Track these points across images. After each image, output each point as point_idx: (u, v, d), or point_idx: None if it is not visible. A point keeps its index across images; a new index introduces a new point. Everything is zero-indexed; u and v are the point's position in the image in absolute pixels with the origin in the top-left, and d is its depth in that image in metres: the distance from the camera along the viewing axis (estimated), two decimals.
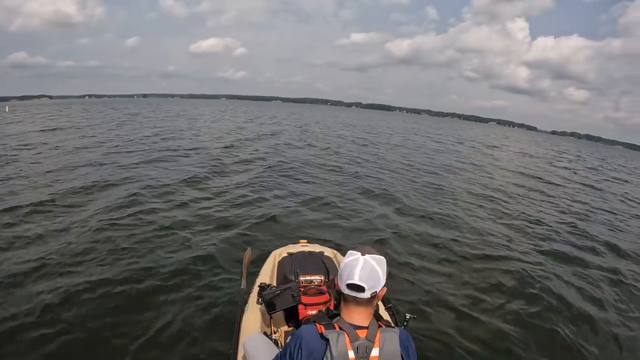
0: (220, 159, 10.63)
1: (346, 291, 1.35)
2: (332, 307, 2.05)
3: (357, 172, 10.64)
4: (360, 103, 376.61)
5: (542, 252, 5.71)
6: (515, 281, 4.49)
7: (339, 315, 1.39)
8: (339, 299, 1.42)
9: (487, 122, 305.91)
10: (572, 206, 9.73)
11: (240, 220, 5.50)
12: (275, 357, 1.46)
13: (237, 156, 11.66)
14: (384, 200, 7.80)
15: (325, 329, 1.31)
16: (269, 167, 10.11)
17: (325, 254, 2.82)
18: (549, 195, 10.74)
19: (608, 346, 3.52)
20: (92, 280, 3.59)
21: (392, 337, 1.32)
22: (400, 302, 3.53)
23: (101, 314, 3.12)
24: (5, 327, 2.93)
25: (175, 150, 12.08)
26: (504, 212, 8.04)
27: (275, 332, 2.24)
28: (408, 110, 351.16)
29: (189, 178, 8.07)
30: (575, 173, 18.64)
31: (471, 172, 13.38)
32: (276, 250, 3.07)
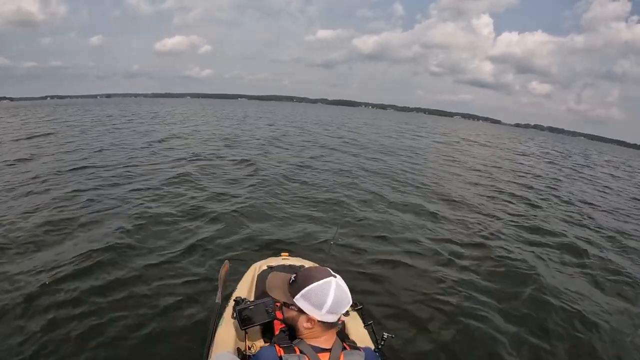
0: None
1: (321, 318, 1.28)
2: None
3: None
4: (325, 99, 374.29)
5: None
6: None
7: (298, 336, 1.34)
8: (293, 323, 1.36)
9: (452, 116, 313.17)
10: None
11: (219, 234, 5.07)
12: None
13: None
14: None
15: (285, 352, 1.26)
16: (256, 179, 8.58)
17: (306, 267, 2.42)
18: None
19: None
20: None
21: None
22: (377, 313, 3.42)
23: (69, 324, 3.02)
24: None
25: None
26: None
27: (250, 348, 2.14)
28: (374, 106, 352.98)
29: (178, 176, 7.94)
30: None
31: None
32: (256, 263, 2.94)
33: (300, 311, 1.31)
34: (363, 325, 2.28)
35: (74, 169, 8.50)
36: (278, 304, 2.01)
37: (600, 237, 6.73)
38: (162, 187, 7.15)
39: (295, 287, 1.33)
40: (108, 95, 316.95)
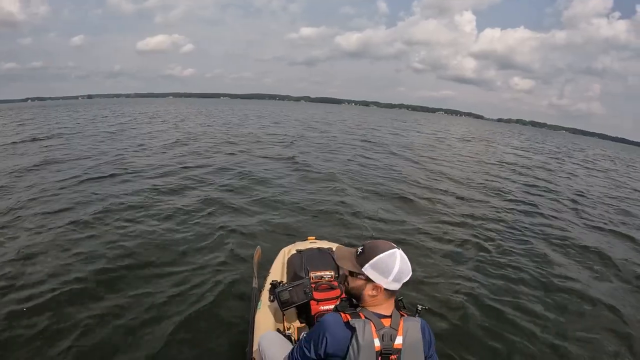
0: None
1: (387, 286, 1.37)
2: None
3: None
4: (308, 97, 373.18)
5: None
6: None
7: (359, 305, 1.44)
8: (359, 292, 1.43)
9: (435, 112, 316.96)
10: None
11: (248, 221, 5.34)
12: (298, 343, 1.51)
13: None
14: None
15: (352, 317, 1.34)
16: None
17: (334, 250, 2.62)
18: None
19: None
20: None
21: (414, 326, 1.38)
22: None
23: (112, 312, 3.08)
24: None
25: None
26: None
27: (288, 329, 2.24)
28: (357, 103, 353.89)
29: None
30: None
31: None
32: (285, 248, 3.05)
33: (368, 280, 1.39)
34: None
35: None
36: (314, 285, 2.25)
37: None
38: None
39: (363, 257, 1.41)
40: (90, 96, 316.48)
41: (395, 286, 1.37)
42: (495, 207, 7.26)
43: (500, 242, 5.31)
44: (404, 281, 1.39)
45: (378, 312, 1.37)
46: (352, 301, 1.49)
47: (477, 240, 5.22)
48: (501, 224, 6.25)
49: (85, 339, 2.73)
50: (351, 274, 1.44)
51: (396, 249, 1.39)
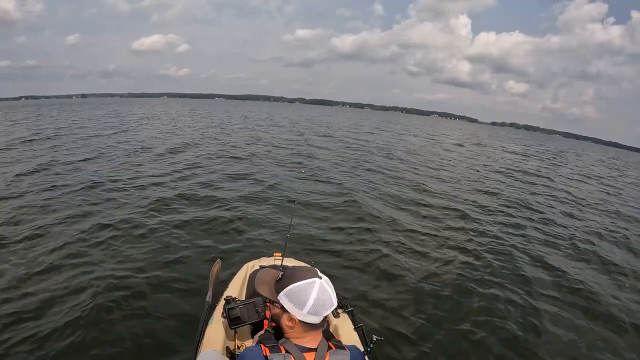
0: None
1: (302, 318, 1.28)
2: None
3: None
4: (303, 98, 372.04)
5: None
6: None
7: (284, 336, 1.35)
8: (278, 320, 1.37)
9: (429, 115, 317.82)
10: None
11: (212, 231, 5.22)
12: None
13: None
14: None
15: (270, 352, 1.26)
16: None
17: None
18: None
19: None
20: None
21: None
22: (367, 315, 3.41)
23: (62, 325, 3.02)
24: None
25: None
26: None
27: (239, 347, 2.21)
28: (351, 105, 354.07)
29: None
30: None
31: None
32: (249, 263, 3.02)
33: (283, 309, 1.31)
34: (353, 327, 2.29)
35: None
36: (268, 304, 1.97)
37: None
38: None
39: (280, 284, 1.34)
40: (84, 95, 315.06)
41: (313, 319, 1.27)
42: (466, 228, 6.41)
43: (479, 265, 4.91)
44: (325, 315, 1.28)
45: (302, 344, 1.28)
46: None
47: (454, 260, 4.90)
48: (481, 241, 5.77)
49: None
50: (270, 301, 1.38)
51: (316, 279, 1.29)
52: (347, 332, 2.16)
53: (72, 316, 3.10)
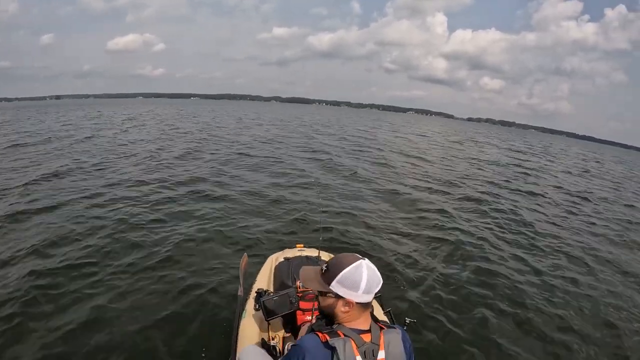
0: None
1: (358, 299, 1.31)
2: None
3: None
4: (279, 97, 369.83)
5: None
6: None
7: (334, 322, 1.37)
8: (331, 310, 1.37)
9: (406, 112, 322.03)
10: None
11: (233, 228, 5.28)
12: None
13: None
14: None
15: (330, 336, 1.27)
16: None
17: (322, 257, 2.85)
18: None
19: None
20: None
21: (395, 338, 1.34)
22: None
23: (95, 319, 3.06)
24: None
25: None
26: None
27: (273, 339, 2.19)
28: (328, 103, 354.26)
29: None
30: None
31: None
32: (272, 255, 3.07)
33: (338, 297, 1.34)
34: (383, 312, 2.41)
35: None
36: (300, 294, 2.21)
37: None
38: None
39: (328, 275, 1.36)
40: (58, 97, 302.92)
41: (367, 298, 1.33)
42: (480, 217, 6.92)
43: (492, 249, 5.27)
44: (375, 291, 1.34)
45: (356, 327, 1.32)
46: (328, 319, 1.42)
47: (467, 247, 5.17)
48: (491, 230, 6.19)
49: (57, 343, 2.74)
50: (320, 293, 1.40)
51: (361, 260, 1.35)
52: (378, 316, 2.11)
53: (108, 314, 3.12)
